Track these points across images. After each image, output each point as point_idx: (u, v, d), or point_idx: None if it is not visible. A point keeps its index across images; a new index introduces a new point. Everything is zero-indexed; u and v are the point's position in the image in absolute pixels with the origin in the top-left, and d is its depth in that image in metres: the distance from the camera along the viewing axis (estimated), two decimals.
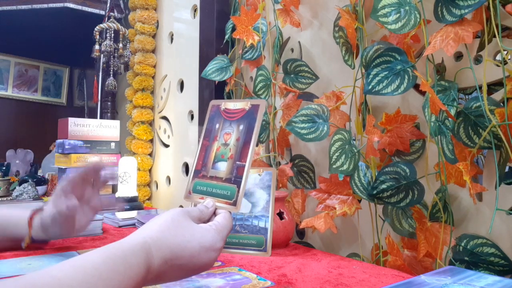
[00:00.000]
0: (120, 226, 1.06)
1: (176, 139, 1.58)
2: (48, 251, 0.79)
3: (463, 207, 0.72)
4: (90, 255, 0.40)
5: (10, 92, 2.27)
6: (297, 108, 1.00)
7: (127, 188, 1.43)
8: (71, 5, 1.74)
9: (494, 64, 0.66)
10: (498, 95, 0.67)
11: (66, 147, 1.35)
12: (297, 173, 1.02)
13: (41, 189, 1.65)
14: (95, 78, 1.80)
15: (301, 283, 0.61)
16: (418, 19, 0.69)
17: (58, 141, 1.41)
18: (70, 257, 0.40)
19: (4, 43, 2.17)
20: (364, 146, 0.81)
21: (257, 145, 1.08)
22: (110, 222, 1.10)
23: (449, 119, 0.68)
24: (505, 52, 0.62)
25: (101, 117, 1.82)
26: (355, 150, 0.81)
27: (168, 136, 1.64)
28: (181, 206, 0.86)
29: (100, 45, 1.69)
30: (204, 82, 1.35)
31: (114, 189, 1.46)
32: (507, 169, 0.64)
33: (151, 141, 1.74)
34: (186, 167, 1.52)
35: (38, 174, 1.87)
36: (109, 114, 1.87)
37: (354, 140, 0.88)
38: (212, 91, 1.31)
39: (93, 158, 0.78)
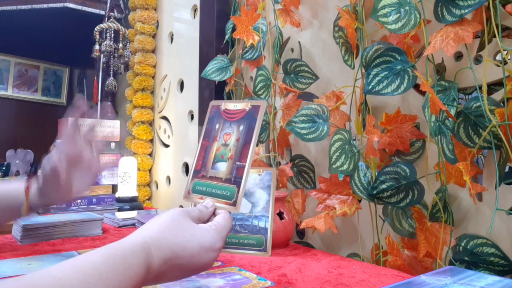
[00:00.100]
0: (120, 226, 1.06)
1: (176, 139, 1.58)
2: (48, 251, 0.79)
3: (463, 207, 0.72)
4: (90, 255, 0.40)
5: (10, 92, 2.27)
6: (297, 108, 1.00)
7: (127, 188, 1.43)
8: (71, 5, 1.75)
9: (494, 64, 0.66)
10: (498, 95, 0.67)
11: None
12: (297, 173, 1.02)
13: None
14: (95, 78, 1.80)
15: (301, 283, 0.61)
16: (418, 19, 0.69)
17: (58, 141, 1.41)
18: (70, 257, 0.40)
19: (4, 43, 2.17)
20: (364, 146, 0.81)
21: (257, 145, 1.08)
22: (110, 222, 1.10)
23: (449, 119, 0.68)
24: (505, 52, 0.62)
25: (101, 117, 1.82)
26: (355, 150, 0.81)
27: (168, 136, 1.64)
28: (181, 206, 0.86)
29: (100, 45, 1.69)
30: (204, 82, 1.35)
31: (114, 189, 1.47)
32: (507, 169, 0.64)
33: (151, 141, 1.74)
34: (186, 167, 1.52)
35: (38, 174, 1.86)
36: (109, 114, 1.87)
37: (354, 140, 0.88)
38: (212, 91, 1.31)
39: (88, 121, 0.75)
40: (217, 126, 0.62)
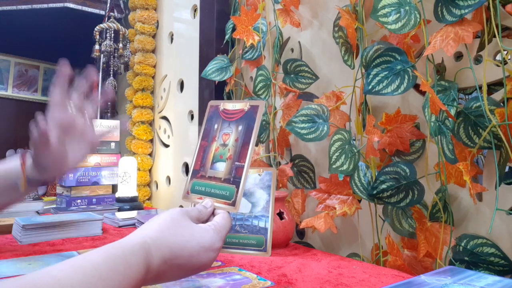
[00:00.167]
0: (120, 226, 1.06)
1: (176, 139, 1.58)
2: (48, 251, 0.79)
3: (463, 207, 0.72)
4: (89, 255, 0.40)
5: (10, 92, 2.27)
6: (297, 108, 1.00)
7: (127, 188, 1.43)
8: (71, 5, 1.74)
9: (494, 64, 0.66)
10: (498, 95, 0.67)
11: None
12: (297, 173, 1.02)
13: (41, 189, 1.65)
14: (80, 82, 1.80)
15: (301, 283, 0.61)
16: (418, 19, 0.69)
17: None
18: (70, 257, 0.40)
19: (4, 43, 2.17)
20: (364, 146, 0.81)
21: (257, 145, 1.08)
22: (110, 222, 1.10)
23: (449, 119, 0.68)
24: (505, 52, 0.62)
25: (101, 117, 1.82)
26: (355, 150, 0.81)
27: (168, 136, 1.64)
28: (181, 206, 0.86)
29: (100, 45, 1.69)
30: (204, 82, 1.35)
31: (114, 189, 1.47)
32: (507, 169, 0.64)
33: (151, 141, 1.74)
34: (186, 167, 1.52)
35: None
36: (109, 114, 1.87)
37: (354, 140, 0.88)
38: (212, 91, 1.31)
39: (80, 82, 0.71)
40: (215, 126, 0.62)
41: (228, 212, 0.54)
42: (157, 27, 1.74)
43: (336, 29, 0.91)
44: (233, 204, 0.55)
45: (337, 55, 0.93)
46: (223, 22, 1.29)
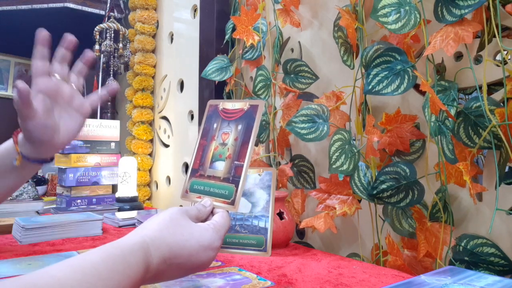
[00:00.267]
0: (120, 226, 1.06)
1: (176, 139, 1.58)
2: (48, 251, 0.79)
3: (463, 207, 0.72)
4: (89, 255, 0.40)
5: (10, 92, 2.27)
6: (297, 108, 1.00)
7: (127, 188, 1.43)
8: (71, 5, 1.74)
9: (494, 64, 0.66)
10: (498, 95, 0.67)
11: (66, 146, 1.35)
12: (297, 173, 1.02)
13: (41, 189, 1.65)
14: (95, 78, 1.80)
15: (301, 283, 0.61)
16: (418, 19, 0.69)
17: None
18: (70, 257, 0.40)
19: (4, 43, 2.17)
20: (364, 146, 0.81)
21: (257, 145, 1.08)
22: (110, 222, 1.10)
23: (449, 119, 0.68)
24: (505, 52, 0.62)
25: (101, 117, 1.82)
26: (355, 150, 0.81)
27: (168, 136, 1.64)
28: (181, 206, 0.86)
29: (100, 45, 1.69)
30: (204, 82, 1.35)
31: (114, 189, 1.47)
32: (507, 169, 0.64)
33: (151, 141, 1.74)
34: (186, 167, 1.52)
35: (38, 174, 1.87)
36: (109, 114, 1.87)
37: (354, 140, 0.88)
38: (212, 91, 1.31)
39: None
40: (215, 125, 0.62)
41: (227, 211, 0.54)
42: (157, 27, 1.74)
43: (336, 29, 0.91)
44: (232, 203, 0.55)
45: (337, 55, 0.93)
46: (223, 22, 1.29)
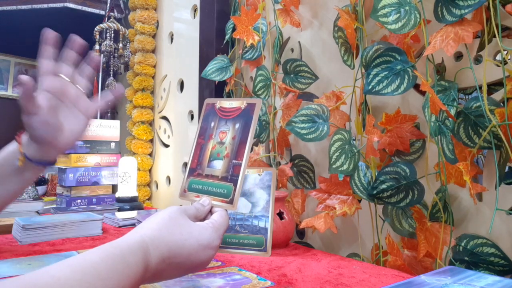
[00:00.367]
0: (120, 226, 1.06)
1: (176, 139, 1.58)
2: (48, 251, 0.79)
3: (463, 207, 0.72)
4: (88, 254, 0.40)
5: (10, 92, 2.27)
6: (297, 108, 1.00)
7: (127, 188, 1.43)
8: (71, 5, 1.75)
9: (494, 64, 0.66)
10: (498, 95, 0.67)
11: (70, 149, 1.35)
12: (297, 173, 1.02)
13: (41, 189, 1.65)
14: (95, 78, 1.80)
15: (301, 283, 0.61)
16: (418, 19, 0.69)
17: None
18: (69, 257, 0.40)
19: (4, 43, 2.17)
20: (364, 146, 0.81)
21: (257, 145, 1.08)
22: (110, 222, 1.10)
23: (449, 119, 0.68)
24: (505, 52, 0.62)
25: (101, 117, 1.83)
26: (355, 150, 0.81)
27: (168, 136, 1.64)
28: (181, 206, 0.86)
29: (100, 45, 1.69)
30: (204, 82, 1.35)
31: (114, 189, 1.47)
32: (507, 169, 0.64)
33: (151, 141, 1.74)
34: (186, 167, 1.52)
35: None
36: (109, 114, 1.87)
37: (354, 140, 0.88)
38: (212, 91, 1.31)
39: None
40: (212, 124, 0.61)
41: (226, 210, 0.54)
42: (157, 27, 1.74)
43: (336, 29, 0.91)
44: (231, 202, 0.55)
45: (337, 55, 0.93)
46: (223, 22, 1.29)
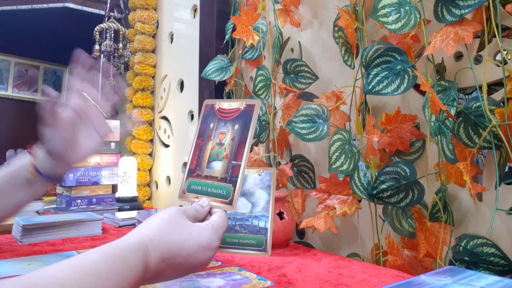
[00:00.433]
0: (120, 226, 1.06)
1: (176, 139, 1.58)
2: (48, 251, 0.79)
3: (463, 207, 0.72)
4: (88, 255, 0.40)
5: (10, 92, 2.27)
6: (297, 108, 1.00)
7: (127, 188, 1.43)
8: (71, 5, 1.75)
9: (494, 64, 0.66)
10: (498, 95, 0.67)
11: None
12: (297, 173, 1.02)
13: None
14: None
15: (301, 283, 0.61)
16: (418, 19, 0.69)
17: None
18: (69, 257, 0.40)
19: (4, 43, 2.17)
20: (364, 146, 0.81)
21: (257, 145, 1.08)
22: (110, 222, 1.10)
23: (449, 119, 0.68)
24: (505, 52, 0.62)
25: None
26: (355, 150, 0.81)
27: (168, 136, 1.64)
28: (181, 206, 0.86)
29: (100, 45, 1.69)
30: (204, 82, 1.35)
31: (114, 189, 1.47)
32: (507, 169, 0.64)
33: (151, 141, 1.74)
34: None
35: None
36: (109, 114, 1.87)
37: (354, 140, 0.88)
38: (212, 91, 1.31)
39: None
40: (211, 125, 0.61)
41: (225, 211, 0.54)
42: (157, 27, 1.74)
43: (336, 29, 0.91)
44: (230, 203, 0.55)
45: (337, 55, 0.93)
46: (223, 22, 1.29)
